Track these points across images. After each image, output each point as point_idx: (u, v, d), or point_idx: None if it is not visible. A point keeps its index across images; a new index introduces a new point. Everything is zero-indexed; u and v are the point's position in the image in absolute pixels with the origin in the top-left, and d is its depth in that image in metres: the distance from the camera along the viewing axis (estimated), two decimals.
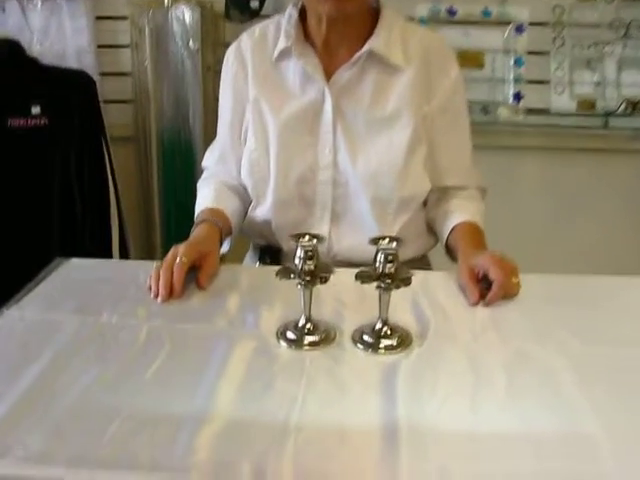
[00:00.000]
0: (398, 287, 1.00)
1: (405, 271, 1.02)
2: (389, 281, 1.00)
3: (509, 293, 1.17)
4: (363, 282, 1.01)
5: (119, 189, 2.19)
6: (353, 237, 1.36)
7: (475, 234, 1.33)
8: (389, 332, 1.04)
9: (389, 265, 1.00)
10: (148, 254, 2.46)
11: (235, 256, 1.50)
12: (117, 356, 0.99)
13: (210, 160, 1.49)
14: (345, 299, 1.16)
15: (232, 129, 1.43)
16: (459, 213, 1.37)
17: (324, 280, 1.01)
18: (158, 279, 1.16)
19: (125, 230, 2.20)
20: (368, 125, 1.35)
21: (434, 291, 1.20)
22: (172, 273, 1.16)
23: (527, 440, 0.83)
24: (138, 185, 2.48)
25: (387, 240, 1.01)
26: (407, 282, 1.00)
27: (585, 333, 1.08)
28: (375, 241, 1.01)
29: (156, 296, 1.15)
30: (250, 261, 1.54)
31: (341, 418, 0.87)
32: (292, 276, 1.01)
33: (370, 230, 1.35)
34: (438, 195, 1.43)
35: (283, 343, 1.04)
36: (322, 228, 1.38)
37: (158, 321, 1.09)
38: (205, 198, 1.42)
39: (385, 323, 1.05)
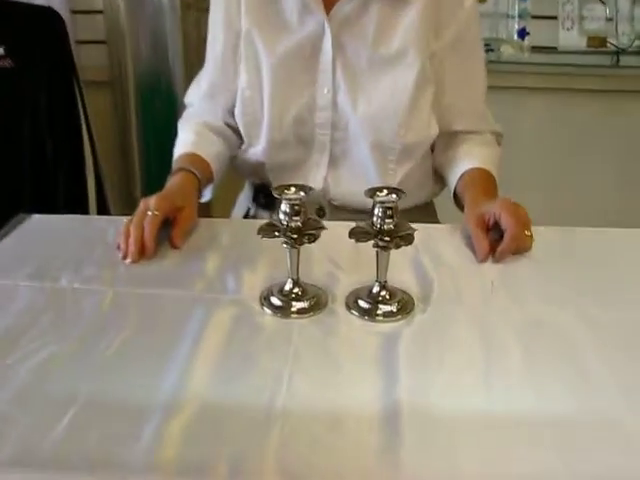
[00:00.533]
0: (398, 246, 0.87)
1: (406, 227, 0.89)
2: (388, 239, 0.87)
3: (522, 246, 1.05)
4: (358, 240, 0.88)
5: (94, 137, 2.02)
6: (352, 183, 1.24)
7: (486, 181, 1.19)
8: (388, 296, 0.92)
9: (388, 221, 0.87)
10: (130, 208, 2.31)
11: (229, 194, 1.37)
12: (76, 329, 0.86)
13: (195, 95, 1.34)
14: (338, 259, 1.03)
15: (224, 61, 1.27)
16: (469, 159, 1.23)
17: (313, 239, 0.88)
18: (128, 236, 1.03)
19: (102, 182, 2.05)
20: (371, 64, 1.20)
21: (438, 247, 1.07)
22: (143, 229, 1.03)
23: (546, 424, 0.71)
24: (115, 133, 2.31)
25: (385, 192, 0.88)
26: (409, 240, 0.87)
27: (605, 294, 0.96)
28: (372, 193, 0.88)
29: (125, 256, 1.02)
30: (244, 200, 1.41)
31: (334, 400, 0.75)
32: (276, 234, 0.88)
33: (370, 177, 1.23)
34: (447, 140, 1.30)
35: (267, 310, 0.91)
36: (319, 171, 1.26)
37: (125, 286, 0.96)
38: (184, 143, 1.28)
39: (383, 286, 0.92)
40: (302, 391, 0.76)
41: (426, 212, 1.36)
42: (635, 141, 2.18)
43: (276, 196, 0.87)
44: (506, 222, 1.03)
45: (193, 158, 1.23)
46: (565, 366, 0.81)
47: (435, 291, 0.95)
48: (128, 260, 1.02)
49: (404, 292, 0.94)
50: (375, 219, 0.87)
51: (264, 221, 0.91)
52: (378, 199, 0.87)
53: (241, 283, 0.97)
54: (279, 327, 0.89)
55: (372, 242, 0.88)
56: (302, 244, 0.87)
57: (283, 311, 0.91)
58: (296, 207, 0.87)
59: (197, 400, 0.74)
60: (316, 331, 0.88)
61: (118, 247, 1.04)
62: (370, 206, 0.88)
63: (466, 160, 1.24)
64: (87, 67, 2.12)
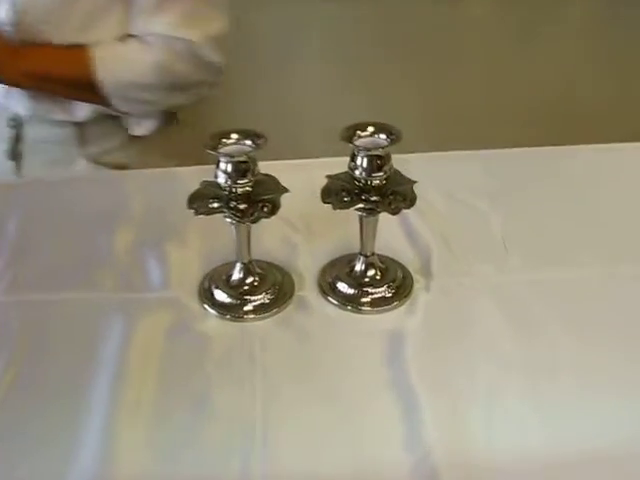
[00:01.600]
0: (397, 211, 0.61)
1: (401, 179, 0.62)
2: (376, 199, 0.61)
3: None
4: (338, 207, 0.61)
5: None
6: None
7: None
8: (378, 275, 0.67)
9: (377, 174, 0.60)
10: None
11: None
12: None
13: None
14: (302, 224, 0.75)
15: None
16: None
17: (271, 210, 0.60)
18: None
19: None
20: None
21: (425, 193, 0.81)
22: None
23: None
24: None
25: (371, 130, 0.61)
26: (410, 200, 0.61)
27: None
28: (351, 133, 0.60)
29: None
30: None
31: (333, 462, 0.51)
32: (216, 206, 0.60)
33: None
34: None
35: (211, 311, 0.64)
36: None
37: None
38: None
39: (370, 262, 0.67)
40: (286, 451, 0.51)
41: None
42: None
43: (210, 152, 0.58)
44: None
45: None
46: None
47: (434, 259, 0.70)
48: None
49: (395, 263, 0.69)
50: (358, 172, 0.60)
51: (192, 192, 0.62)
52: (360, 143, 0.60)
53: (168, 271, 0.69)
54: (232, 336, 0.62)
55: (356, 206, 0.61)
56: (256, 220, 0.59)
57: (234, 310, 0.64)
58: (243, 165, 0.59)
59: None
60: (286, 337, 0.62)
61: None
62: None
63: None
64: None
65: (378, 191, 0.61)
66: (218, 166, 0.59)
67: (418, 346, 0.61)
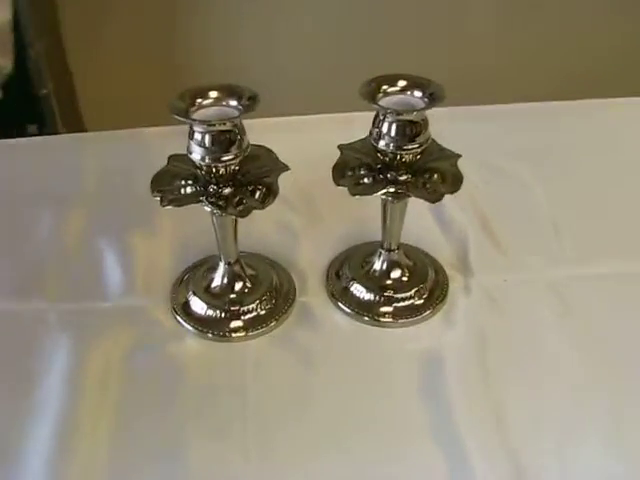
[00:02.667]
0: (435, 198, 0.45)
1: (442, 152, 0.47)
2: (406, 178, 0.45)
3: None
4: (355, 192, 0.45)
5: None
6: None
7: None
8: (405, 275, 0.51)
9: (410, 148, 0.44)
10: None
11: None
12: None
13: None
14: (303, 204, 0.59)
15: None
16: None
17: (265, 198, 0.44)
18: None
19: None
20: None
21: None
22: None
23: None
24: None
25: (402, 85, 0.44)
26: (451, 182, 0.45)
27: None
28: (375, 87, 0.44)
29: None
30: None
31: None
32: (189, 191, 0.44)
33: None
34: None
35: (189, 327, 0.49)
36: None
37: None
38: None
39: (394, 260, 0.51)
40: None
41: None
42: None
43: (178, 117, 0.42)
44: None
45: None
46: None
47: (472, 248, 0.55)
48: None
49: (425, 258, 0.54)
50: (384, 143, 0.44)
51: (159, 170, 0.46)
52: (387, 103, 0.44)
53: (131, 272, 0.53)
54: (214, 361, 0.47)
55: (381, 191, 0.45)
56: (245, 212, 0.43)
57: (218, 327, 0.49)
58: (227, 135, 0.42)
59: None
60: (284, 360, 0.47)
61: None
62: None
63: None
64: None
65: (409, 168, 0.45)
66: (191, 137, 0.43)
67: (461, 371, 0.46)
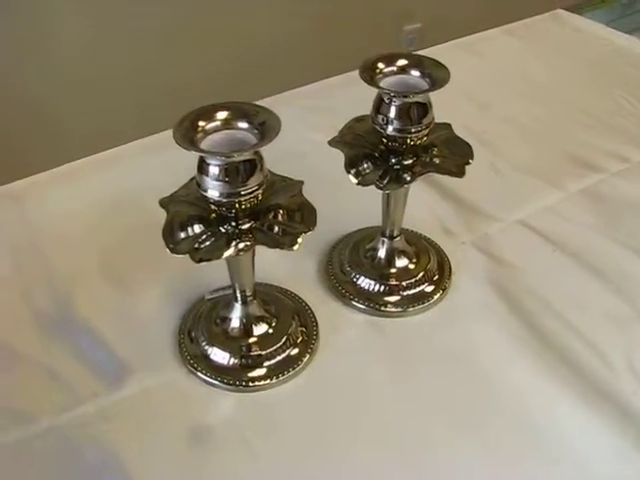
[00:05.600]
0: (462, 172, 0.43)
1: (448, 134, 0.45)
2: (411, 161, 0.43)
3: None
4: (361, 182, 0.42)
5: None
6: None
7: None
8: (412, 261, 0.50)
9: (417, 130, 0.42)
10: None
11: None
12: None
13: None
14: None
15: None
16: None
17: (304, 222, 0.39)
18: None
19: None
20: None
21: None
22: None
23: None
24: None
25: (403, 63, 0.42)
26: (458, 169, 0.44)
27: None
28: (373, 65, 0.41)
29: None
30: None
31: None
32: (217, 241, 0.38)
33: None
34: None
35: (212, 380, 0.43)
36: None
37: None
38: None
39: (398, 248, 0.49)
40: None
41: None
42: None
43: (190, 149, 0.35)
44: None
45: None
46: None
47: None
48: None
49: (429, 250, 0.52)
50: (392, 128, 0.42)
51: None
52: (388, 84, 0.41)
53: (134, 333, 0.45)
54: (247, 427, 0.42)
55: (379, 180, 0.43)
56: (295, 242, 0.38)
57: (234, 375, 0.43)
58: (248, 165, 0.37)
59: None
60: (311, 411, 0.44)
61: None
62: None
63: None
64: None
65: (413, 152, 0.43)
66: (204, 171, 0.36)
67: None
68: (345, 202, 0.52)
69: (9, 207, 0.57)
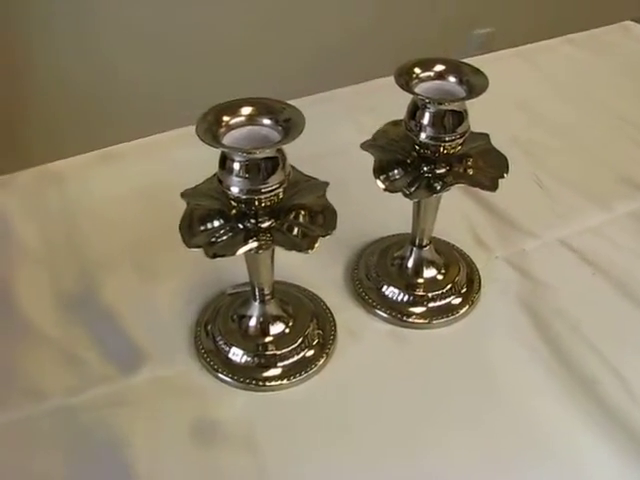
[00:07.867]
0: (495, 186, 0.42)
1: (485, 145, 0.43)
2: (443, 170, 0.42)
3: None
4: (392, 189, 0.41)
5: None
6: None
7: None
8: (440, 272, 0.48)
9: (451, 140, 0.41)
10: None
11: None
12: None
13: None
14: None
15: None
16: None
17: (324, 225, 0.39)
18: None
19: None
20: None
21: None
22: None
23: None
24: None
25: (440, 69, 0.41)
26: (491, 182, 0.42)
27: None
28: (408, 71, 0.40)
29: None
30: None
31: None
32: (236, 235, 0.38)
33: None
34: None
35: (228, 380, 0.43)
36: None
37: None
38: None
39: (427, 259, 0.48)
40: None
41: None
42: None
43: (213, 145, 0.35)
44: None
45: None
46: None
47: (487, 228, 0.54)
48: None
49: (453, 249, 0.51)
50: (425, 135, 0.40)
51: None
52: (423, 91, 0.40)
53: (143, 342, 0.46)
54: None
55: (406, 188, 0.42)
56: (312, 245, 0.37)
57: (249, 373, 0.43)
58: (271, 162, 0.36)
59: None
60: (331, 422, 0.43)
61: None
62: None
63: None
64: None
65: (446, 161, 0.42)
66: (226, 167, 0.36)
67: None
68: (376, 207, 0.51)
69: (49, 185, 0.58)
